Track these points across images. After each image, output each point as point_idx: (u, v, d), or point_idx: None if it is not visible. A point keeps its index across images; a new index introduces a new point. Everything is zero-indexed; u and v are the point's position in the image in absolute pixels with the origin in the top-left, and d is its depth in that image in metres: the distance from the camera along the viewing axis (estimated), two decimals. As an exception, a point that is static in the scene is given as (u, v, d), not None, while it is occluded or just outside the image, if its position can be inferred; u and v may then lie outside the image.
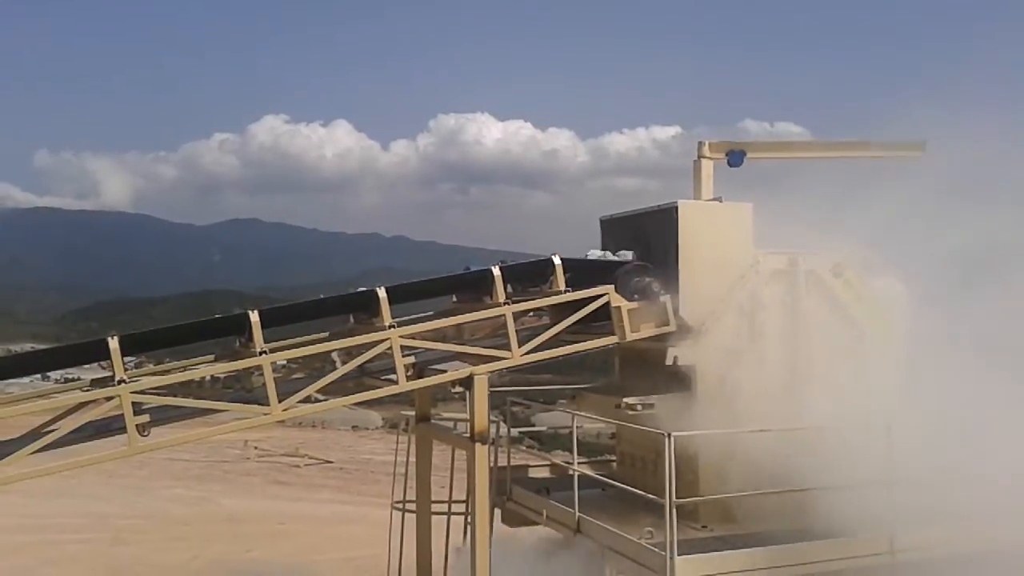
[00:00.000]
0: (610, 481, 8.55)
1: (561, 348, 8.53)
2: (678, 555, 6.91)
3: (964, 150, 8.95)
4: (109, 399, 7.12)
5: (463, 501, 9.38)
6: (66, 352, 8.08)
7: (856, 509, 7.14)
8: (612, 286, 8.47)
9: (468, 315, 8.59)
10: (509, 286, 8.51)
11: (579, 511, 8.15)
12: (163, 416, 7.50)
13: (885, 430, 7.37)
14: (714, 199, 9.23)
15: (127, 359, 7.36)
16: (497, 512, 9.08)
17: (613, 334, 8.48)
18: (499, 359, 8.22)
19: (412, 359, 8.17)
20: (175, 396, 7.56)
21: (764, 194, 9.00)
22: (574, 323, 8.45)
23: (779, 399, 7.73)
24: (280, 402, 7.51)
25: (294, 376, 8.52)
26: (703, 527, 7.96)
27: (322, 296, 8.88)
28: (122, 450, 7.13)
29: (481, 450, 7.93)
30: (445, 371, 8.30)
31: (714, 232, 8.60)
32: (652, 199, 9.20)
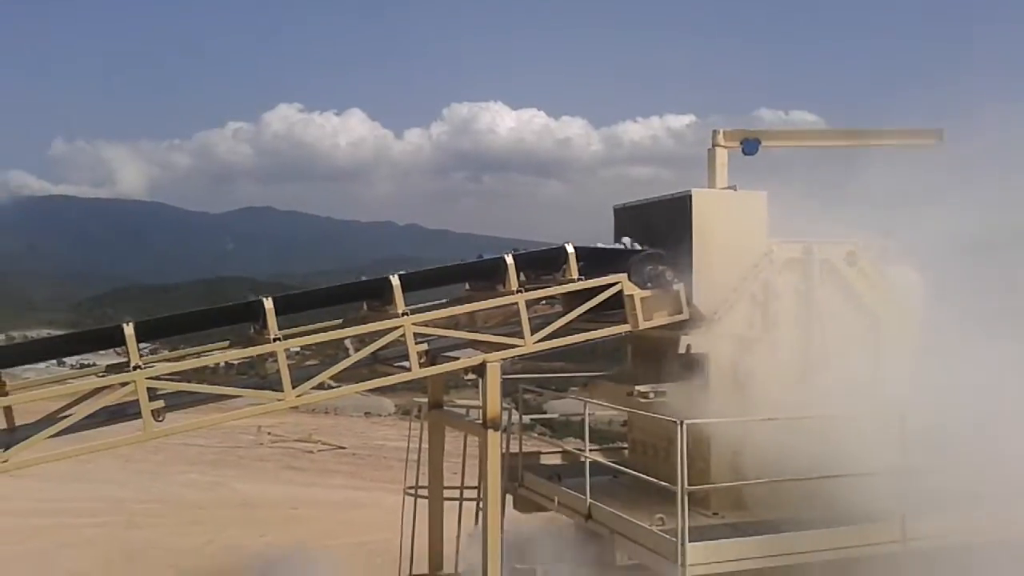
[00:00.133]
0: (622, 468, 8.58)
1: (573, 336, 8.55)
2: (689, 542, 6.94)
3: (981, 138, 8.90)
4: (124, 384, 7.18)
5: (475, 487, 9.43)
6: (82, 338, 8.14)
7: (868, 497, 7.14)
8: (625, 274, 8.47)
9: (481, 303, 8.60)
10: (522, 274, 8.52)
11: (590, 497, 8.18)
12: (178, 402, 7.56)
13: (898, 418, 7.36)
14: (728, 187, 9.22)
15: (142, 345, 7.41)
16: (509, 498, 9.11)
17: (626, 322, 8.49)
18: (512, 347, 8.24)
19: (425, 346, 8.19)
20: (190, 382, 7.62)
21: (779, 183, 8.97)
22: (587, 311, 8.46)
23: (792, 388, 7.72)
24: (294, 388, 7.56)
25: (307, 363, 8.57)
26: (714, 514, 7.97)
27: (335, 284, 8.92)
28: (137, 435, 7.19)
29: (493, 436, 7.96)
30: (458, 358, 8.33)
31: (728, 220, 8.59)
32: (666, 188, 9.21)
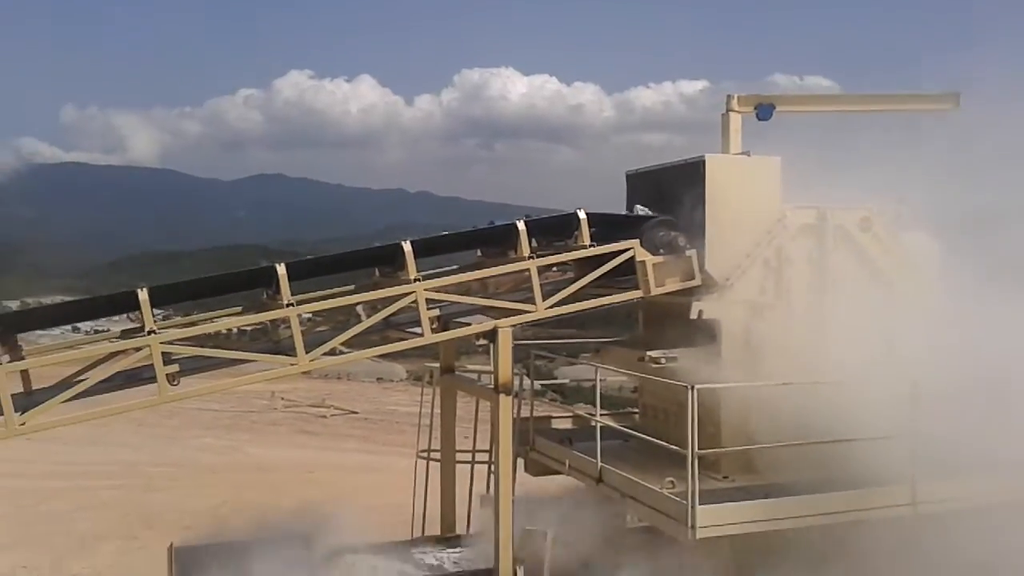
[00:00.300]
0: (633, 432, 8.62)
1: (585, 302, 8.56)
2: (699, 504, 6.99)
3: (999, 103, 8.81)
4: (139, 349, 7.23)
5: (487, 451, 9.50)
6: (96, 304, 8.20)
7: (879, 461, 7.16)
8: (637, 240, 8.46)
9: (493, 269, 8.61)
10: (534, 240, 8.51)
11: (601, 461, 8.24)
12: (192, 366, 7.62)
13: (911, 383, 7.36)
14: (742, 153, 9.16)
15: (155, 312, 7.46)
16: (520, 461, 9.18)
17: (638, 288, 8.49)
18: (523, 312, 8.26)
19: (437, 312, 8.21)
20: (204, 347, 7.67)
21: (793, 148, 8.91)
22: (599, 277, 8.47)
23: (804, 354, 7.72)
24: (307, 353, 7.61)
25: (319, 329, 8.60)
26: (724, 478, 8.02)
27: (347, 250, 8.93)
28: (152, 399, 7.26)
29: (505, 401, 8.00)
30: (469, 324, 8.36)
31: (741, 186, 8.55)
32: (678, 154, 9.15)
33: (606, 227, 8.71)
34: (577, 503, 8.76)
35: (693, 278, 8.47)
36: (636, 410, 10.13)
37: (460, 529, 9.57)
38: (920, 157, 8.73)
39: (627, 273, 8.54)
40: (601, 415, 8.60)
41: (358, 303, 8.23)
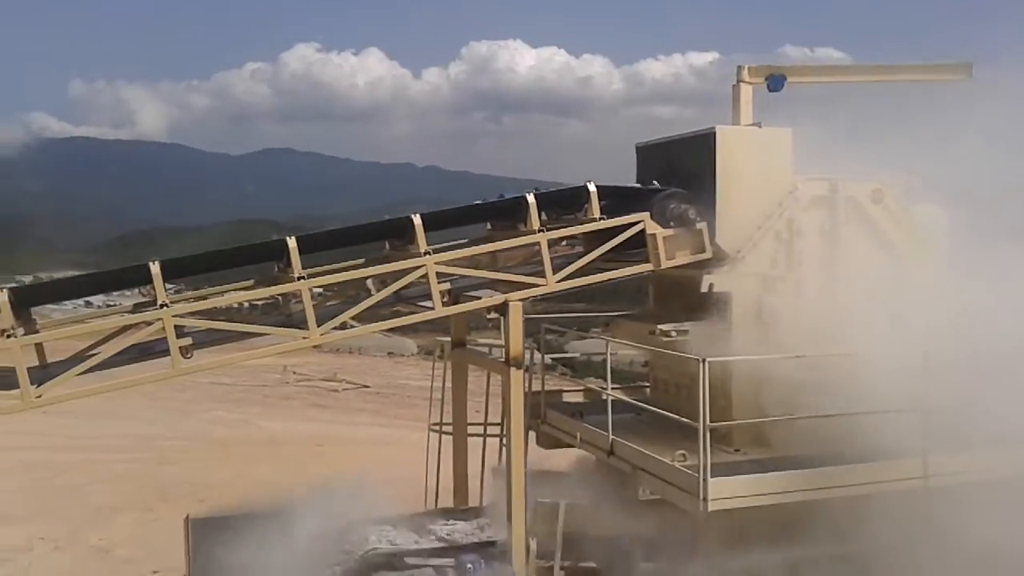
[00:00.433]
0: (644, 405, 8.64)
1: (595, 275, 8.55)
2: (711, 477, 7.02)
3: (1012, 73, 8.71)
4: (152, 323, 7.27)
5: (498, 424, 9.53)
6: (108, 277, 8.24)
7: (891, 434, 7.17)
8: (647, 213, 8.43)
9: (503, 242, 8.60)
10: (543, 213, 8.50)
11: (613, 434, 8.26)
12: (204, 340, 7.66)
13: (922, 356, 7.35)
14: (753, 124, 9.10)
15: (167, 286, 7.48)
16: (531, 435, 9.22)
17: (648, 261, 8.48)
18: (533, 286, 8.26)
19: (447, 285, 8.23)
20: (216, 321, 7.70)
21: (804, 120, 8.85)
22: (609, 251, 8.45)
23: (815, 326, 7.71)
24: (318, 327, 7.64)
25: (329, 303, 8.63)
26: (736, 451, 8.04)
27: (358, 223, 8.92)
28: (166, 371, 7.31)
29: (516, 374, 8.03)
30: (480, 298, 8.38)
31: (752, 158, 8.51)
32: (688, 127, 9.09)
33: (616, 200, 8.68)
34: (588, 476, 8.81)
35: (704, 251, 8.45)
36: (647, 384, 10.15)
37: (473, 502, 9.64)
38: (932, 128, 8.66)
39: (637, 246, 8.52)
40: (612, 389, 8.61)
41: (369, 276, 8.25)
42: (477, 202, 9.20)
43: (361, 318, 8.11)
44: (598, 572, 8.32)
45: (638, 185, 9.16)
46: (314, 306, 7.75)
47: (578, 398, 10.45)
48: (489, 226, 9.17)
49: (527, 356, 8.56)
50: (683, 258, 8.48)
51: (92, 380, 7.30)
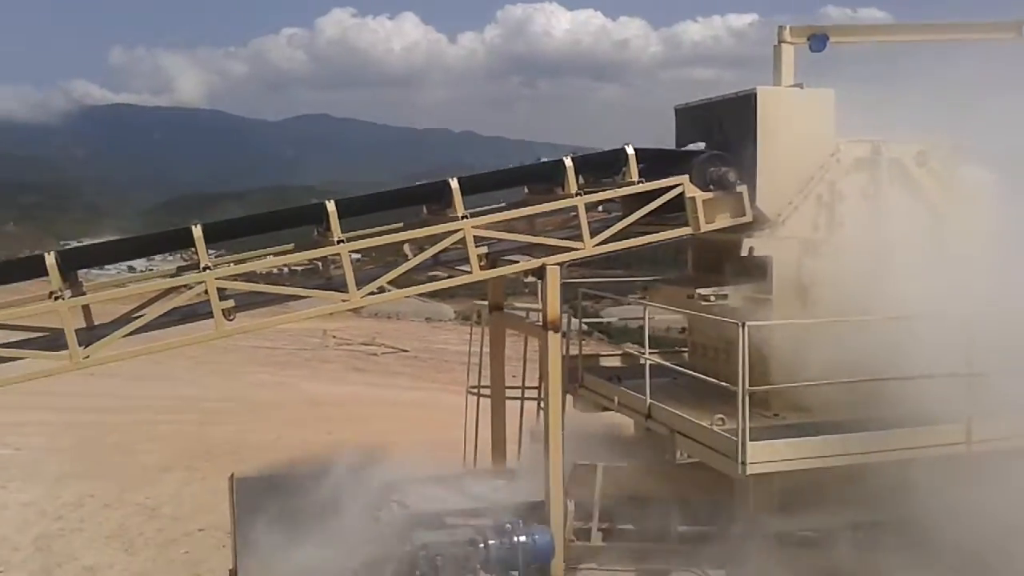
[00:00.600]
0: (682, 370, 8.63)
1: (633, 239, 8.50)
2: (750, 440, 7.00)
3: None
4: (195, 285, 7.39)
5: (535, 388, 9.58)
6: (152, 240, 8.35)
7: (933, 400, 7.09)
8: (687, 176, 8.35)
9: (540, 206, 8.58)
10: (581, 177, 8.44)
11: (650, 398, 8.27)
12: (246, 302, 7.77)
13: (966, 321, 7.24)
14: (794, 86, 8.94)
15: (208, 251, 7.58)
16: (568, 398, 9.26)
17: (687, 225, 8.42)
18: (571, 250, 8.25)
19: (485, 249, 8.24)
20: (258, 284, 7.81)
21: (847, 80, 8.68)
22: (647, 214, 8.40)
23: (857, 290, 7.62)
24: (358, 290, 7.71)
25: (367, 268, 8.69)
26: (775, 415, 8.01)
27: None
28: (210, 333, 7.43)
29: (554, 338, 8.05)
30: (517, 261, 8.39)
31: (794, 119, 8.37)
32: (728, 90, 8.96)
33: (655, 163, 8.60)
34: (626, 439, 8.84)
35: (744, 214, 8.36)
36: (685, 349, 10.13)
37: (510, 464, 9.72)
38: (979, 89, 8.44)
39: (676, 210, 8.45)
40: (650, 353, 8.61)
41: (407, 240, 8.29)
42: (514, 166, 9.18)
43: (399, 282, 8.17)
44: (635, 534, 8.36)
45: (677, 148, 9.07)
46: (353, 271, 7.82)
47: (615, 363, 10.46)
48: (526, 190, 9.15)
49: (564, 321, 8.56)
50: (723, 222, 8.40)
51: (137, 342, 7.45)
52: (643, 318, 8.70)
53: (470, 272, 8.17)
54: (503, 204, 9.03)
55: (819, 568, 7.86)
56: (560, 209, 8.57)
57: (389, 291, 8.09)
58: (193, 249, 7.64)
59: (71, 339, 7.03)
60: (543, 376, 8.39)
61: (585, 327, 10.32)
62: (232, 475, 8.32)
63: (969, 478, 7.11)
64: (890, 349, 7.08)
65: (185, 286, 7.52)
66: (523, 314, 10.18)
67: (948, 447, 7.39)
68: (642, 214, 8.35)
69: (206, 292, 7.37)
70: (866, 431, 7.38)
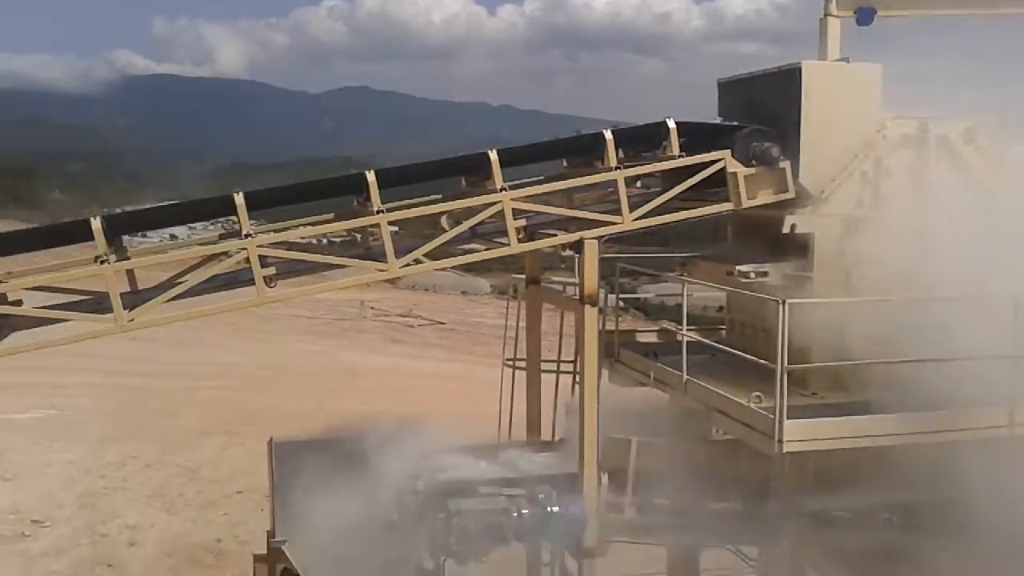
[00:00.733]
0: (719, 346, 8.58)
1: (672, 214, 8.44)
2: (787, 419, 6.96)
3: None
4: (236, 252, 7.48)
5: (571, 361, 9.59)
6: (194, 207, 8.44)
7: (976, 382, 6.99)
8: (729, 151, 8.26)
9: (579, 179, 8.55)
10: (621, 151, 8.38)
11: (687, 374, 8.25)
12: (286, 271, 7.85)
13: (1013, 303, 7.11)
14: (841, 60, 8.78)
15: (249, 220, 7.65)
16: (604, 372, 9.26)
17: (728, 201, 8.33)
18: (609, 224, 8.22)
19: (523, 222, 8.23)
20: (298, 252, 7.88)
21: (894, 55, 8.51)
22: (687, 189, 8.33)
23: (901, 269, 7.51)
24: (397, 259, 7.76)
25: (404, 242, 8.70)
26: (813, 394, 7.95)
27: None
28: (251, 299, 7.52)
29: (590, 311, 8.04)
30: (555, 235, 8.38)
31: (839, 94, 8.23)
32: (770, 66, 8.82)
33: (696, 137, 8.51)
34: (661, 415, 8.83)
35: (787, 191, 8.25)
36: (722, 327, 10.07)
37: (545, 435, 9.77)
38: None
39: (716, 185, 8.37)
40: (687, 330, 8.58)
41: (445, 211, 8.30)
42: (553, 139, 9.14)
43: (437, 254, 8.20)
44: (668, 509, 8.38)
45: (719, 122, 8.97)
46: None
47: (652, 339, 10.43)
48: (565, 163, 9.11)
49: (600, 296, 8.55)
50: (764, 198, 8.30)
51: (180, 307, 7.57)
52: (680, 295, 8.66)
53: (508, 245, 8.18)
54: (541, 177, 9.01)
55: (853, 548, 7.83)
56: (598, 184, 8.52)
57: (427, 262, 8.13)
58: (233, 219, 7.73)
59: (116, 302, 7.15)
60: (579, 350, 8.40)
61: (621, 303, 10.29)
62: (271, 439, 8.44)
63: (1011, 461, 7.01)
64: (933, 329, 6.98)
65: (227, 253, 7.61)
66: (560, 288, 10.18)
67: (990, 430, 7.28)
68: (682, 189, 8.28)
69: (247, 260, 7.46)
70: (905, 412, 7.30)
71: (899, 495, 7.74)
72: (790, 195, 8.26)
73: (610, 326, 9.62)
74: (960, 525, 7.32)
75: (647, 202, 8.34)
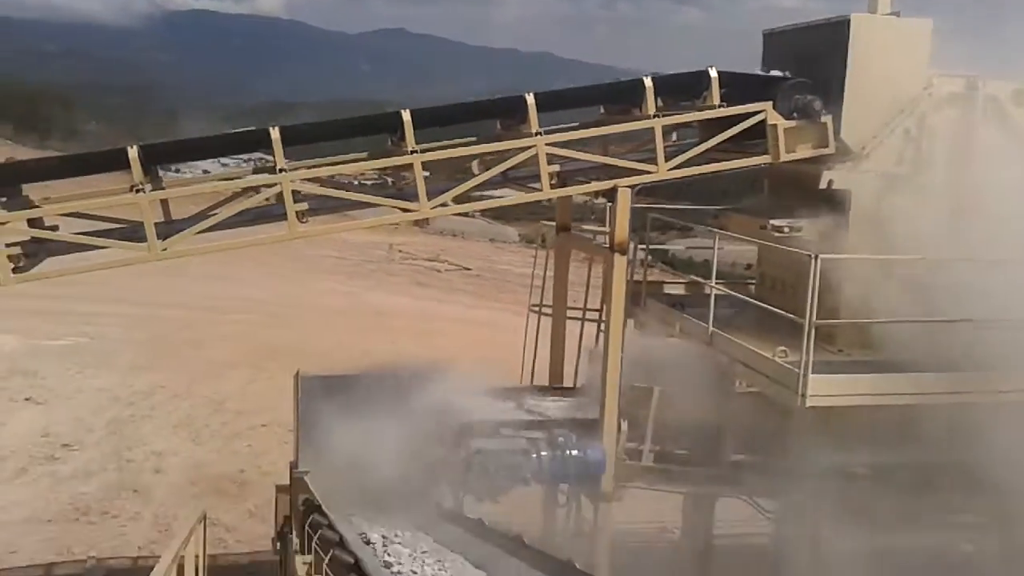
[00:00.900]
0: (747, 299, 8.54)
1: (709, 165, 8.34)
2: (812, 373, 6.94)
3: None
4: (271, 186, 7.50)
5: (597, 309, 9.59)
6: (231, 139, 8.45)
7: (1007, 345, 6.91)
8: (770, 102, 8.11)
9: (616, 126, 8.45)
10: (660, 99, 8.26)
11: (713, 326, 8.23)
12: (317, 208, 7.86)
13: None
14: (891, 14, 8.55)
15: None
16: (629, 323, 9.25)
17: (766, 153, 8.21)
18: (644, 172, 8.14)
19: (556, 168, 8.17)
20: (331, 189, 7.89)
21: (945, 10, 8.30)
22: (725, 140, 8.21)
23: (938, 229, 7.40)
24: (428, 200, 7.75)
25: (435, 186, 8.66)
26: (839, 351, 7.91)
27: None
28: (282, 234, 7.56)
29: (620, 260, 8.01)
30: (589, 181, 8.32)
31: (887, 50, 8.06)
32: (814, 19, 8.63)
33: (738, 88, 8.36)
34: (685, 366, 8.82)
35: (827, 146, 8.12)
36: (751, 281, 10.00)
37: (568, 382, 9.81)
38: None
39: (755, 137, 8.25)
40: (716, 283, 8.53)
41: (479, 154, 8.25)
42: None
43: (469, 197, 8.18)
44: (686, 458, 8.43)
45: (762, 72, 8.80)
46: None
47: (679, 291, 10.39)
48: (602, 110, 9.01)
49: (630, 248, 8.50)
50: (804, 152, 8.17)
51: (212, 239, 7.64)
52: (710, 248, 8.60)
53: (540, 190, 8.13)
54: (576, 124, 8.92)
55: (871, 505, 7.84)
56: (634, 134, 8.43)
57: (458, 205, 8.12)
58: (265, 156, 7.75)
59: (150, 231, 7.21)
60: (606, 298, 8.38)
61: (650, 257, 10.25)
62: (298, 372, 8.55)
63: None
64: (968, 291, 6.89)
65: (261, 186, 7.64)
66: (590, 236, 10.14)
67: (1016, 393, 7.21)
68: (721, 140, 8.17)
69: (279, 196, 7.48)
70: (931, 372, 7.25)
71: (921, 455, 7.71)
72: (830, 150, 8.13)
73: (637, 277, 9.59)
74: (981, 487, 7.30)
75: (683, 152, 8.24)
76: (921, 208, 7.67)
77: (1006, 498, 7.17)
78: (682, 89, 8.57)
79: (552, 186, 8.10)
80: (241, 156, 9.77)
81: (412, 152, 7.76)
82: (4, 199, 7.21)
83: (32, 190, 7.51)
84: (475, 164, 8.31)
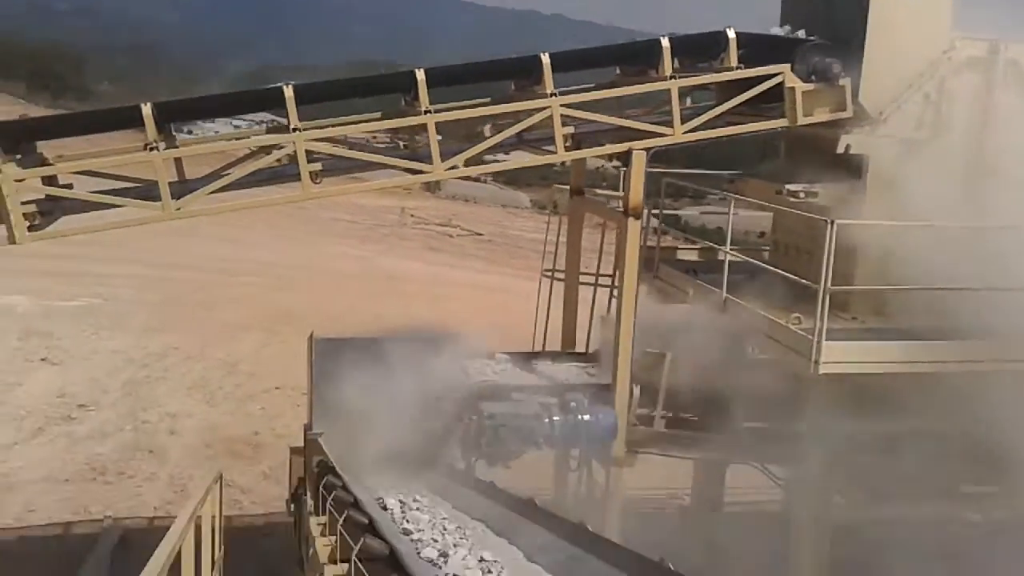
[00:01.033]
0: (762, 264, 8.49)
1: (725, 128, 8.26)
2: (826, 340, 6.91)
3: None
4: (285, 146, 7.46)
5: (611, 275, 9.56)
6: (244, 97, 8.41)
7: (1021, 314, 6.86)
8: (788, 65, 8.00)
9: (632, 88, 8.35)
10: (677, 60, 8.16)
11: (727, 292, 8.19)
12: (330, 168, 7.82)
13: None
14: (913, -25, 8.39)
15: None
16: (642, 288, 9.21)
17: (783, 117, 8.12)
18: (659, 135, 8.06)
19: (571, 129, 8.10)
20: (344, 149, 7.85)
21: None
22: (742, 103, 8.11)
23: (957, 197, 7.31)
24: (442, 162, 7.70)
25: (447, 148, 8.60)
26: (853, 319, 7.87)
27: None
28: (296, 194, 7.53)
29: (633, 224, 7.96)
30: (604, 144, 8.25)
31: (908, 11, 7.93)
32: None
33: (756, 49, 8.24)
34: (697, 332, 8.80)
35: (845, 109, 8.01)
36: (765, 247, 9.94)
37: (580, 348, 9.81)
38: None
39: (772, 100, 8.14)
40: (730, 249, 8.48)
41: (493, 115, 8.17)
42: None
43: (482, 160, 8.13)
44: (698, 425, 8.44)
45: (780, 34, 8.67)
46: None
47: (693, 257, 10.35)
48: (618, 71, 8.90)
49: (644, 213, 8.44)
50: (821, 115, 8.07)
51: (226, 200, 7.62)
52: (724, 214, 8.53)
53: (555, 153, 8.07)
54: (592, 85, 8.82)
55: (882, 474, 7.85)
56: (650, 97, 8.34)
57: (470, 167, 8.06)
58: (277, 117, 7.70)
59: (164, 190, 7.19)
60: (619, 262, 8.35)
61: (663, 224, 10.19)
62: (312, 334, 8.56)
63: None
64: (986, 258, 6.82)
65: (274, 146, 7.59)
66: (603, 200, 10.08)
67: None
68: (738, 102, 8.07)
69: (293, 155, 7.44)
70: (945, 340, 7.21)
71: (933, 423, 7.70)
72: (848, 114, 8.03)
73: (651, 242, 9.54)
74: (994, 457, 7.28)
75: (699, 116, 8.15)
76: (940, 174, 7.58)
77: (1019, 468, 7.15)
78: (699, 50, 8.46)
79: (567, 148, 8.03)
80: (254, 118, 9.74)
81: (426, 112, 7.69)
82: (19, 156, 7.18)
83: (46, 148, 7.48)
84: (487, 128, 8.23)
